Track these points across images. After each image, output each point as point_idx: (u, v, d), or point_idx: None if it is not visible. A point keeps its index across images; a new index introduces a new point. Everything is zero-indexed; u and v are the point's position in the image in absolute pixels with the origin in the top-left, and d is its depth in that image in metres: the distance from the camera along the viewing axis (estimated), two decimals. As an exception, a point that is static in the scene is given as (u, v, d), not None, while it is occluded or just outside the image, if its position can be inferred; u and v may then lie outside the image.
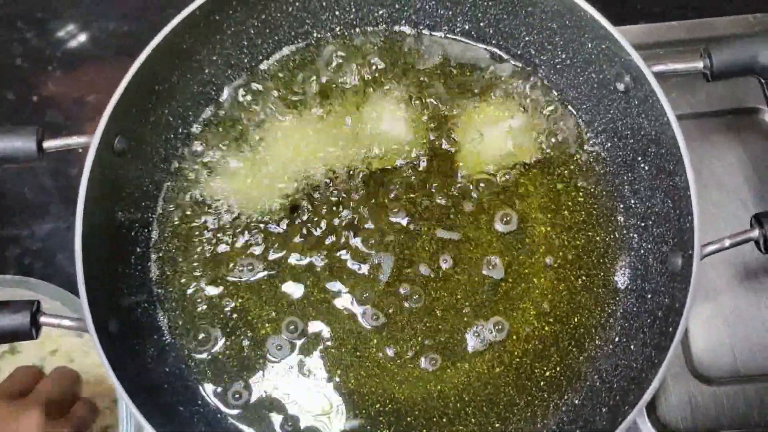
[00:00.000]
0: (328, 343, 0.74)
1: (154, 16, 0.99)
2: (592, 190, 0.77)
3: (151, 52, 0.68)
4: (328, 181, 0.77)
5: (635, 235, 0.74)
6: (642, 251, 0.73)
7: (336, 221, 0.77)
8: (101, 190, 0.68)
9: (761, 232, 0.62)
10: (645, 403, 0.58)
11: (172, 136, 0.78)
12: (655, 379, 0.58)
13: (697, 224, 0.61)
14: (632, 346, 0.69)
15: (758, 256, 0.78)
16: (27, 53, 0.99)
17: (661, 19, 0.91)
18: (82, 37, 1.00)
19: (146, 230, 0.77)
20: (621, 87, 0.70)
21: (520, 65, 0.80)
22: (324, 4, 0.79)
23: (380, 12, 0.80)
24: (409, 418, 0.72)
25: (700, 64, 0.66)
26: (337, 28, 0.82)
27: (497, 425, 0.71)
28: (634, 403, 0.59)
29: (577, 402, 0.71)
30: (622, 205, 0.76)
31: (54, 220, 0.93)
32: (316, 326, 0.74)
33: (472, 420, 0.71)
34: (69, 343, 0.86)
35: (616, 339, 0.72)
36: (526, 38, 0.78)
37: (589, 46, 0.71)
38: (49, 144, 0.66)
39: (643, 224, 0.73)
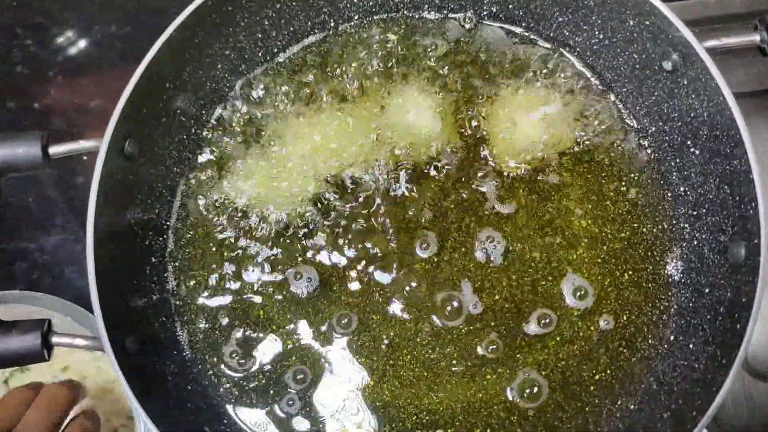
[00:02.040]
0: (362, 350, 0.69)
1: (156, 18, 0.96)
2: (636, 178, 0.72)
3: (161, 47, 0.64)
4: (351, 178, 0.73)
5: (686, 225, 0.69)
6: (695, 242, 0.68)
7: (363, 220, 0.72)
8: (112, 196, 0.64)
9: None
10: (717, 408, 0.53)
11: (184, 136, 0.74)
12: (727, 380, 0.54)
13: (763, 210, 0.57)
14: (691, 345, 0.64)
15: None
16: (27, 60, 0.96)
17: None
18: (83, 42, 0.97)
19: (161, 238, 0.73)
20: (668, 66, 0.65)
21: (553, 48, 0.76)
22: (341, -10, 0.74)
23: (401, -4, 0.76)
24: (450, 430, 0.67)
25: (756, 37, 0.61)
26: (356, 16, 0.77)
27: (545, 435, 0.66)
28: (703, 408, 0.54)
29: (632, 407, 0.66)
30: (670, 194, 0.71)
31: (61, 232, 0.91)
32: (348, 333, 0.70)
33: (518, 429, 0.67)
34: (80, 358, 0.84)
35: (672, 337, 0.67)
36: (559, 18, 0.73)
37: (631, 23, 0.67)
38: (55, 150, 0.62)
39: (695, 213, 0.68)
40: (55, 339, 0.59)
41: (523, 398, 0.68)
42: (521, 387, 0.68)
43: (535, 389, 0.68)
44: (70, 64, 0.96)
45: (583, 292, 0.70)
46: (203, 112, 0.75)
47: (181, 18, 0.64)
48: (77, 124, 0.94)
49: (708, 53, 0.61)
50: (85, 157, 0.91)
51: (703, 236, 0.67)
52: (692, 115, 0.66)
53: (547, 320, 0.69)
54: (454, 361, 0.69)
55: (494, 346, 0.69)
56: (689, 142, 0.67)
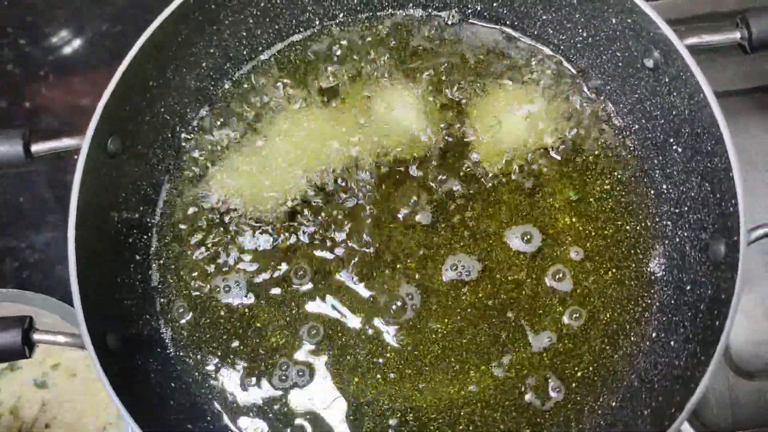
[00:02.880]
0: (343, 349, 0.70)
1: (147, 16, 0.95)
2: (619, 176, 0.72)
3: (143, 45, 0.64)
4: (336, 176, 0.73)
5: (669, 223, 0.70)
6: (677, 239, 0.68)
7: (348, 219, 0.72)
8: (96, 194, 0.64)
9: (812, 213, 0.57)
10: (695, 405, 0.54)
11: (169, 135, 0.74)
12: (705, 377, 0.54)
13: (743, 207, 0.57)
14: (672, 342, 0.64)
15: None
16: (18, 59, 0.96)
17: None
18: (74, 41, 0.97)
19: (146, 236, 0.73)
20: (649, 64, 0.66)
21: (538, 46, 0.76)
22: (326, -12, 0.75)
23: (386, -5, 0.76)
24: (432, 427, 0.67)
25: (737, 35, 0.61)
26: (341, 15, 0.77)
27: (527, 430, 0.66)
28: (681, 405, 0.54)
29: (614, 404, 0.66)
30: (653, 191, 0.71)
31: (52, 231, 0.91)
32: (329, 331, 0.70)
33: (501, 426, 0.67)
34: (71, 356, 0.84)
35: (654, 335, 0.68)
36: (543, 17, 0.73)
37: (613, 21, 0.67)
38: (37, 147, 0.63)
39: (677, 210, 0.69)
40: (36, 336, 0.59)
41: (505, 395, 0.68)
42: (504, 384, 0.68)
43: (520, 387, 0.68)
44: (61, 63, 0.96)
45: (566, 290, 0.70)
46: (188, 110, 0.75)
47: (162, 16, 0.65)
48: (68, 123, 0.94)
49: (689, 50, 0.61)
50: (75, 156, 0.90)
51: (685, 234, 0.67)
52: (674, 112, 0.66)
53: (529, 318, 0.69)
54: (437, 359, 0.69)
55: (474, 345, 0.69)
56: (671, 140, 0.68)
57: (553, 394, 0.68)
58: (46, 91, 0.95)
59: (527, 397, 0.68)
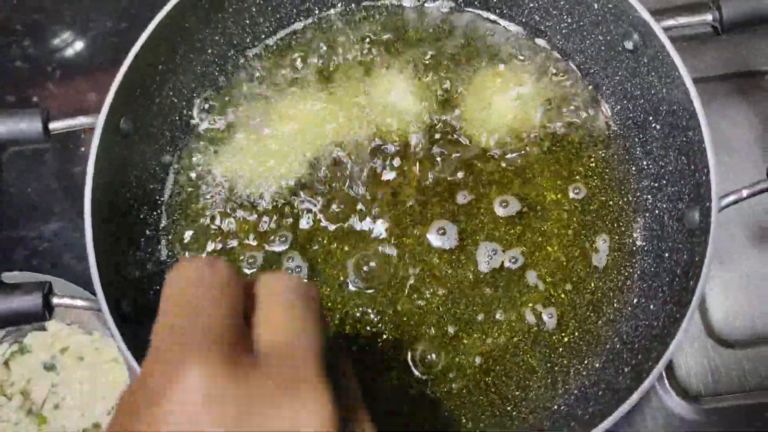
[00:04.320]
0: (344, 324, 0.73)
1: (152, 14, 0.98)
2: (603, 154, 0.76)
3: (154, 29, 0.68)
4: (336, 157, 0.77)
5: (649, 196, 0.73)
6: (657, 211, 0.72)
7: (347, 198, 0.76)
8: (109, 172, 0.67)
9: (779, 181, 0.61)
10: (669, 357, 0.57)
11: (177, 117, 0.78)
12: (679, 331, 0.57)
13: (714, 175, 0.61)
14: (652, 306, 0.68)
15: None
16: (26, 56, 0.99)
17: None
18: (80, 38, 0.99)
19: (155, 213, 0.76)
20: (629, 46, 0.69)
21: (526, 32, 0.80)
22: (325, -21, 0.79)
23: (382, -15, 0.80)
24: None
25: (709, 17, 0.65)
26: (339, 4, 0.81)
27: (517, 393, 0.70)
28: (658, 358, 0.58)
29: (598, 365, 0.70)
30: (634, 168, 0.75)
31: (59, 220, 0.92)
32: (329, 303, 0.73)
33: (492, 390, 0.71)
34: (79, 340, 0.85)
35: (635, 300, 0.71)
36: (531, 4, 0.77)
37: (596, 6, 0.71)
38: (54, 125, 0.66)
39: (656, 184, 0.72)
40: (56, 300, 0.62)
41: (497, 361, 0.71)
42: (495, 350, 0.71)
43: (508, 354, 0.71)
44: (68, 60, 0.98)
45: (554, 262, 0.73)
46: (194, 94, 0.79)
47: (172, 3, 0.68)
48: (76, 116, 0.95)
49: (665, 32, 0.65)
50: (82, 149, 0.93)
51: (664, 205, 0.71)
52: (653, 91, 0.70)
53: (518, 288, 0.73)
54: (432, 329, 0.72)
55: (466, 315, 0.72)
56: (651, 118, 0.71)
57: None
58: (53, 87, 0.97)
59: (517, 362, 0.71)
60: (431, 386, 0.71)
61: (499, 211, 0.75)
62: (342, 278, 0.74)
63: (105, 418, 0.83)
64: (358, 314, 0.72)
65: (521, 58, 0.79)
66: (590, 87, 0.78)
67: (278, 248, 0.75)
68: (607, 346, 0.70)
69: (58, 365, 0.85)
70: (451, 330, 0.72)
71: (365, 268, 0.74)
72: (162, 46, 0.71)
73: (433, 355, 0.71)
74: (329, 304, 0.73)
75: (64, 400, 0.84)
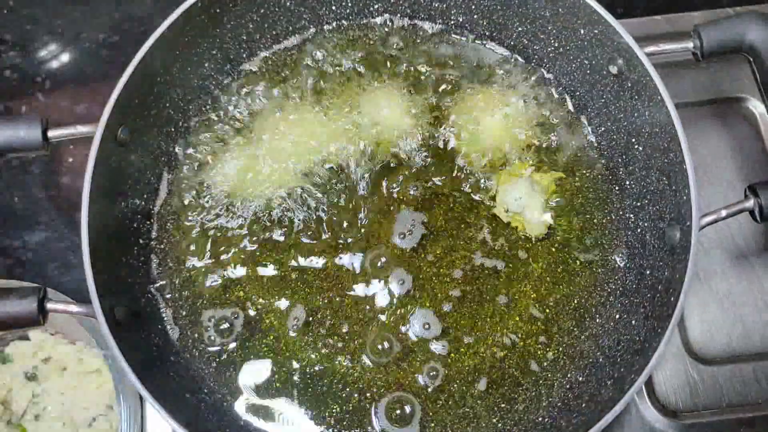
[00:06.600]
0: (332, 331, 0.74)
1: (142, 27, 1.00)
2: (587, 174, 0.78)
3: (154, 42, 0.69)
4: (328, 172, 0.78)
5: (632, 215, 0.76)
6: (639, 230, 0.74)
7: (336, 213, 0.77)
8: (105, 179, 0.68)
9: (756, 201, 0.64)
10: (652, 369, 0.59)
11: (172, 129, 0.79)
12: (661, 344, 0.59)
13: (695, 195, 0.63)
14: (633, 321, 0.70)
15: (749, 239, 0.82)
16: (16, 66, 0.99)
17: (647, 14, 0.94)
18: (71, 50, 1.00)
19: (148, 222, 0.77)
20: (614, 70, 0.72)
21: (514, 55, 0.82)
22: (321, -2, 0.81)
23: (376, 6, 0.82)
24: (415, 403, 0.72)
25: (690, 44, 0.68)
26: (334, 23, 0.83)
27: (503, 405, 0.71)
28: (640, 371, 0.60)
29: (581, 379, 0.71)
30: (617, 187, 0.77)
31: (45, 230, 0.92)
32: (320, 314, 0.75)
33: (479, 401, 0.72)
34: (62, 351, 0.84)
35: (617, 316, 0.73)
36: (519, 28, 0.80)
37: (582, 32, 0.73)
38: (54, 133, 0.67)
39: (638, 204, 0.75)
40: (50, 305, 0.63)
41: (484, 374, 0.73)
42: (482, 364, 0.73)
43: (495, 368, 0.73)
44: (58, 70, 0.99)
45: (538, 279, 0.75)
46: (190, 107, 0.80)
47: (172, 17, 0.70)
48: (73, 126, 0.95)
49: (648, 58, 0.67)
50: (70, 159, 0.92)
51: (646, 224, 0.73)
52: (636, 114, 0.72)
53: (505, 303, 0.74)
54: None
55: (446, 339, 0.74)
56: (633, 140, 0.74)
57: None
58: (42, 97, 0.97)
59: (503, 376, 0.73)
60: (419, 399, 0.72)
61: (485, 232, 0.76)
62: (326, 285, 0.75)
63: (87, 429, 0.82)
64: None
65: (509, 79, 0.81)
66: (576, 109, 0.80)
67: (269, 259, 0.76)
68: (590, 360, 0.72)
69: (40, 375, 0.84)
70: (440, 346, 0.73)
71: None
72: (161, 58, 0.72)
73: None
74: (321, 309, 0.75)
75: (45, 411, 0.83)
